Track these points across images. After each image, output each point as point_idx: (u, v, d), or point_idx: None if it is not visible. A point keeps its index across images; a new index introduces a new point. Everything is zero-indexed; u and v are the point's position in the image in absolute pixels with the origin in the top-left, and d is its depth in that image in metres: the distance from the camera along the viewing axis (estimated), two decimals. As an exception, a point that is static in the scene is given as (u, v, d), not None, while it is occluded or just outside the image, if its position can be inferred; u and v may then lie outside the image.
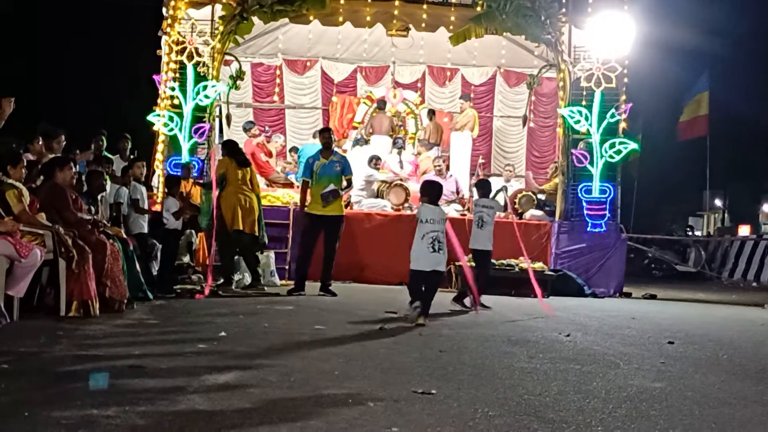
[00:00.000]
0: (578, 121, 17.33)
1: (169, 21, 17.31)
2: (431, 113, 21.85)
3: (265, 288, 14.15)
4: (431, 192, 10.90)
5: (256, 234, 13.99)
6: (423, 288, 10.39)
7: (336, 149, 15.41)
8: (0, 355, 6.52)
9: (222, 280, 13.72)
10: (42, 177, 10.57)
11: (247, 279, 14.37)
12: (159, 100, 17.29)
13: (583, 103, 17.43)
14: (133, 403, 5.15)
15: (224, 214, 13.61)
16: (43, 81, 31.57)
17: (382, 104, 21.48)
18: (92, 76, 33.09)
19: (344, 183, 14.07)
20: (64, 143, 12.47)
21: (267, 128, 21.18)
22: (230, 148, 14.32)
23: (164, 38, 17.51)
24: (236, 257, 14.34)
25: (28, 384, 5.64)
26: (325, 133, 14.41)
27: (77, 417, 4.75)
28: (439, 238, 10.29)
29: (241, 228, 13.64)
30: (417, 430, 4.91)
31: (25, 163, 9.64)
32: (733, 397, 6.55)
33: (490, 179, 19.55)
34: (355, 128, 21.69)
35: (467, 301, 12.52)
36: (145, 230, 13.29)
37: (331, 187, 13.66)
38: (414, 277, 10.48)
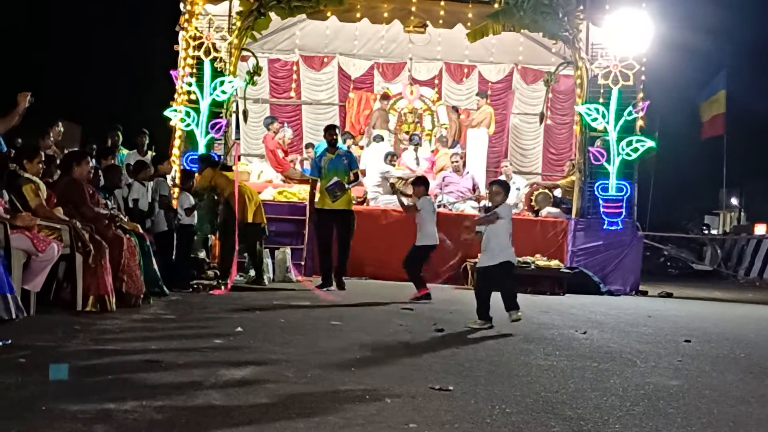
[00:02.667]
0: (595, 119, 17.28)
1: (187, 16, 17.32)
2: (455, 110, 21.84)
3: (266, 284, 14.22)
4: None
5: (263, 224, 14.25)
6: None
7: (341, 144, 15.45)
8: (17, 349, 6.54)
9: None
10: (59, 171, 10.61)
11: (252, 273, 14.53)
12: (176, 96, 17.30)
13: (601, 100, 17.38)
14: (149, 397, 5.15)
15: (233, 209, 13.76)
16: (61, 76, 31.64)
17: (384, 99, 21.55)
18: (110, 70, 33.17)
19: (351, 177, 14.14)
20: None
21: (285, 124, 21.18)
22: (207, 161, 14.82)
23: (182, 33, 17.52)
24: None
25: (46, 378, 5.64)
26: (330, 130, 14.56)
27: (94, 411, 4.75)
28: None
29: (250, 220, 13.87)
30: (434, 426, 4.89)
31: (42, 158, 9.67)
32: (750, 395, 6.52)
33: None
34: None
35: None
36: (166, 227, 13.26)
37: (335, 179, 13.73)
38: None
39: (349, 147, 19.70)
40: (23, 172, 9.32)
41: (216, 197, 14.22)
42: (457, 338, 8.90)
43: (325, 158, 14.07)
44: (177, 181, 15.40)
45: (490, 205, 11.09)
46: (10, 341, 6.75)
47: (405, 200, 14.19)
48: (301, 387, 5.78)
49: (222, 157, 16.68)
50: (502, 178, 19.30)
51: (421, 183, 13.43)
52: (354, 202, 15.43)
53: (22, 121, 10.02)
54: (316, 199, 14.09)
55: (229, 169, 14.87)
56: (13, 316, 7.68)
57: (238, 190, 13.87)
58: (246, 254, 14.83)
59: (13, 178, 9.24)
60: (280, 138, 19.71)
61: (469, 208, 17.70)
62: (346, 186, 13.98)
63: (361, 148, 20.43)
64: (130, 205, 12.55)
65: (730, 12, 39.32)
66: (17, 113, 9.80)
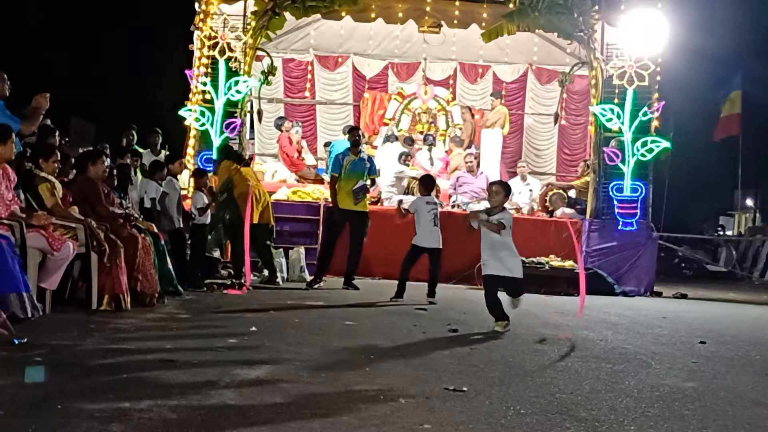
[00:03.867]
0: (610, 119, 17.22)
1: (202, 16, 17.35)
2: (470, 110, 21.84)
3: (280, 283, 14.24)
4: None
5: (271, 224, 14.29)
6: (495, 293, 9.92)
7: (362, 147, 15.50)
8: (33, 348, 6.56)
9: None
10: (74, 170, 10.66)
11: (266, 273, 14.53)
12: (191, 95, 17.33)
13: (615, 101, 17.31)
14: (165, 396, 5.17)
15: (240, 209, 13.83)
16: (75, 75, 31.69)
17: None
18: (124, 69, 33.25)
19: (368, 181, 14.28)
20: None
21: (298, 122, 21.19)
22: (228, 152, 14.83)
23: (196, 33, 17.55)
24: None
25: (61, 377, 5.66)
26: (354, 132, 14.73)
27: (110, 410, 4.76)
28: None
29: (255, 222, 13.90)
30: (448, 427, 4.89)
31: (58, 157, 9.70)
32: (766, 397, 6.50)
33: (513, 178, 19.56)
34: (386, 125, 21.64)
35: None
36: (175, 226, 13.22)
37: (361, 183, 13.87)
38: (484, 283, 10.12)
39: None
40: (39, 171, 9.36)
41: (228, 195, 14.24)
42: (471, 339, 8.89)
43: (348, 158, 14.16)
44: (191, 182, 15.38)
45: (488, 206, 10.98)
46: (26, 340, 6.78)
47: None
48: (316, 387, 5.79)
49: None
50: (518, 178, 19.32)
51: (420, 182, 13.66)
52: (369, 202, 15.46)
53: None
54: (337, 197, 14.11)
55: (247, 164, 14.89)
56: (29, 314, 7.70)
57: (246, 190, 13.93)
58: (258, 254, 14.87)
59: (29, 177, 9.28)
60: (296, 140, 19.79)
61: (483, 208, 17.68)
62: (369, 189, 14.28)
63: (374, 147, 20.43)
64: (146, 204, 12.58)
65: (746, 12, 39.21)
66: (41, 114, 9.85)
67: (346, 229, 14.23)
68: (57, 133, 11.46)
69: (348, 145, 14.54)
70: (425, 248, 12.87)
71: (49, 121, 12.80)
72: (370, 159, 14.71)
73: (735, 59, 35.81)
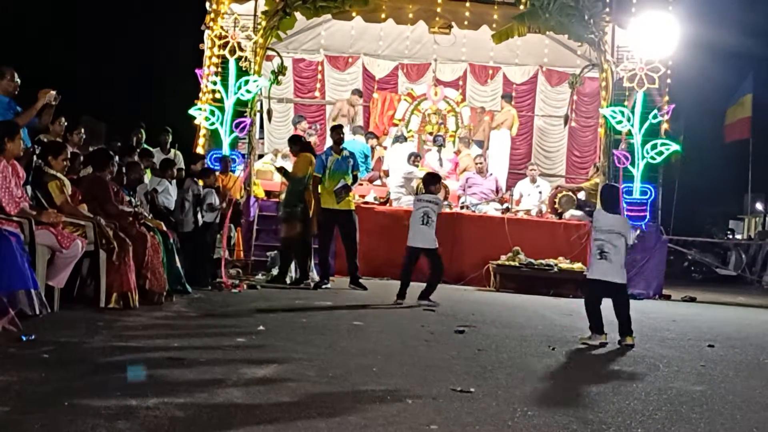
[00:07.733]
0: (620, 122, 17.19)
1: (213, 15, 17.37)
2: (483, 110, 21.85)
3: (311, 283, 14.24)
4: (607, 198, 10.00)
5: (314, 232, 14.37)
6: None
7: (347, 144, 15.51)
8: (41, 345, 6.57)
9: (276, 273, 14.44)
10: (83, 168, 10.69)
11: (273, 272, 14.56)
12: (201, 94, 17.36)
13: (626, 103, 17.30)
14: (172, 394, 5.17)
15: (311, 215, 13.94)
16: (86, 74, 31.74)
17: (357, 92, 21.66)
18: (135, 69, 33.28)
19: (351, 179, 14.33)
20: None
21: (317, 125, 21.21)
22: (305, 145, 14.96)
23: (207, 32, 17.58)
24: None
25: (69, 374, 5.68)
26: (336, 130, 14.78)
27: (117, 407, 4.77)
28: (603, 247, 9.53)
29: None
30: (455, 427, 4.89)
31: (68, 155, 9.71)
32: (775, 401, 6.49)
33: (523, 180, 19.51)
34: (396, 125, 21.59)
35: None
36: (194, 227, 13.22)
37: (342, 182, 13.92)
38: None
39: (373, 147, 19.75)
40: (48, 168, 9.37)
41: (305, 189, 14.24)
42: (478, 340, 8.88)
43: (331, 158, 14.19)
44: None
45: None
46: (33, 337, 6.79)
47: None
48: (323, 386, 5.79)
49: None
50: (527, 180, 19.27)
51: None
52: (378, 202, 15.44)
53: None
54: (320, 197, 14.15)
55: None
56: (37, 311, 7.71)
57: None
58: (269, 252, 14.86)
59: (38, 174, 9.29)
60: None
61: (492, 209, 17.67)
62: (351, 188, 14.29)
63: (385, 148, 20.43)
64: (158, 202, 12.59)
65: (758, 14, 39.09)
66: (35, 108, 9.84)
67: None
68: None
69: (359, 145, 14.55)
70: (414, 248, 12.66)
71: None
72: (353, 156, 14.72)
73: (746, 62, 35.73)
